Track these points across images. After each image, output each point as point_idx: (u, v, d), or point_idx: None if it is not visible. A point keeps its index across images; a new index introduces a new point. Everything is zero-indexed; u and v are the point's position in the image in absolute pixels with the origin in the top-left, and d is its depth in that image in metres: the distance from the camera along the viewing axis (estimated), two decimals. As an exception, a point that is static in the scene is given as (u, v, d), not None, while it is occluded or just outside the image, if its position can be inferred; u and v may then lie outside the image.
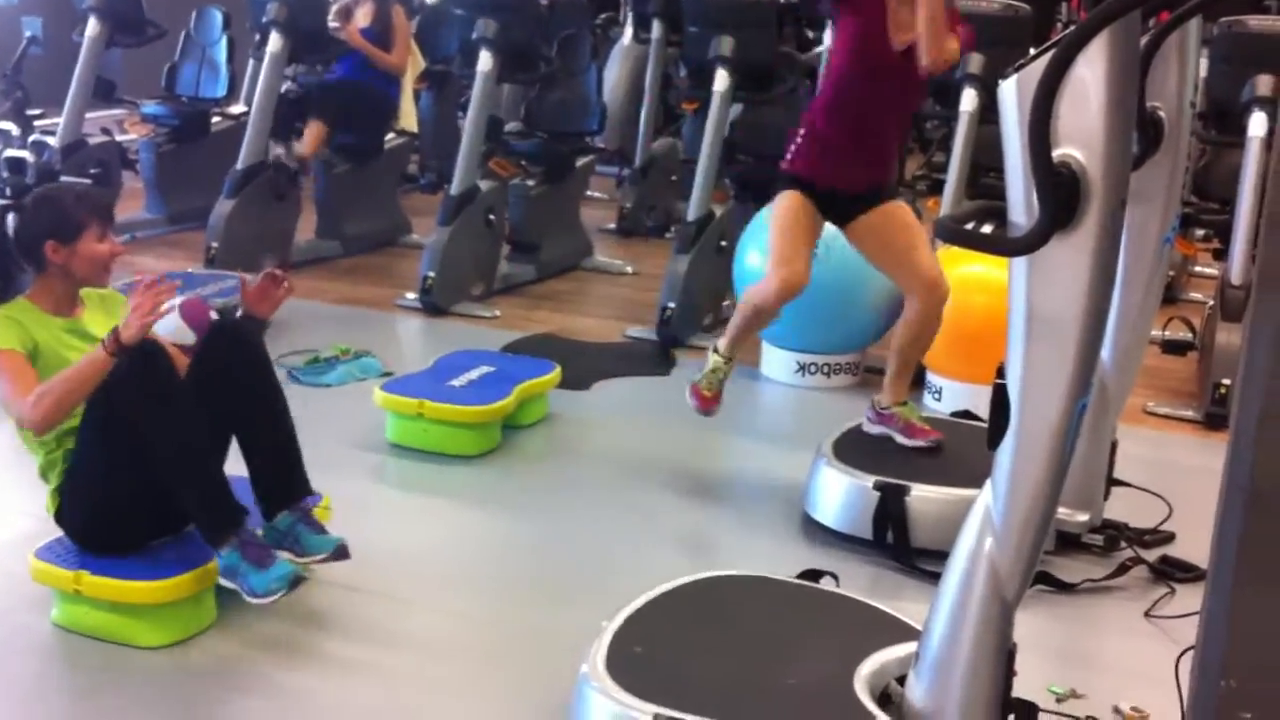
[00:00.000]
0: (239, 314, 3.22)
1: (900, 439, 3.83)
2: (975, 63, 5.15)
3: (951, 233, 1.89)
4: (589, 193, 7.19)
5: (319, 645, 2.97)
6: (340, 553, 2.98)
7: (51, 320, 2.98)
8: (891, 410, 3.86)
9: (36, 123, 6.85)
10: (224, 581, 2.85)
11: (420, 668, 2.91)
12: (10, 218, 3.02)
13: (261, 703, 2.76)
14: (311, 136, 6.47)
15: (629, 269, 6.58)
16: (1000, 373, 1.93)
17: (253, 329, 3.13)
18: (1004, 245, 1.81)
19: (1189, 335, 4.95)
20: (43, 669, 2.88)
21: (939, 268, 3.80)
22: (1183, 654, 2.75)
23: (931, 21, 3.48)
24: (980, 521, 2.04)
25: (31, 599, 3.02)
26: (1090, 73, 1.74)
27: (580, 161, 6.59)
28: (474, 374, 4.31)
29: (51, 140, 6.40)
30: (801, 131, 3.77)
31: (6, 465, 4.00)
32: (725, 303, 5.60)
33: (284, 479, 3.03)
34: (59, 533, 3.01)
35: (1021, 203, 1.80)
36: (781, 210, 3.76)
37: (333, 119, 6.52)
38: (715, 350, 3.95)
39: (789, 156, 3.78)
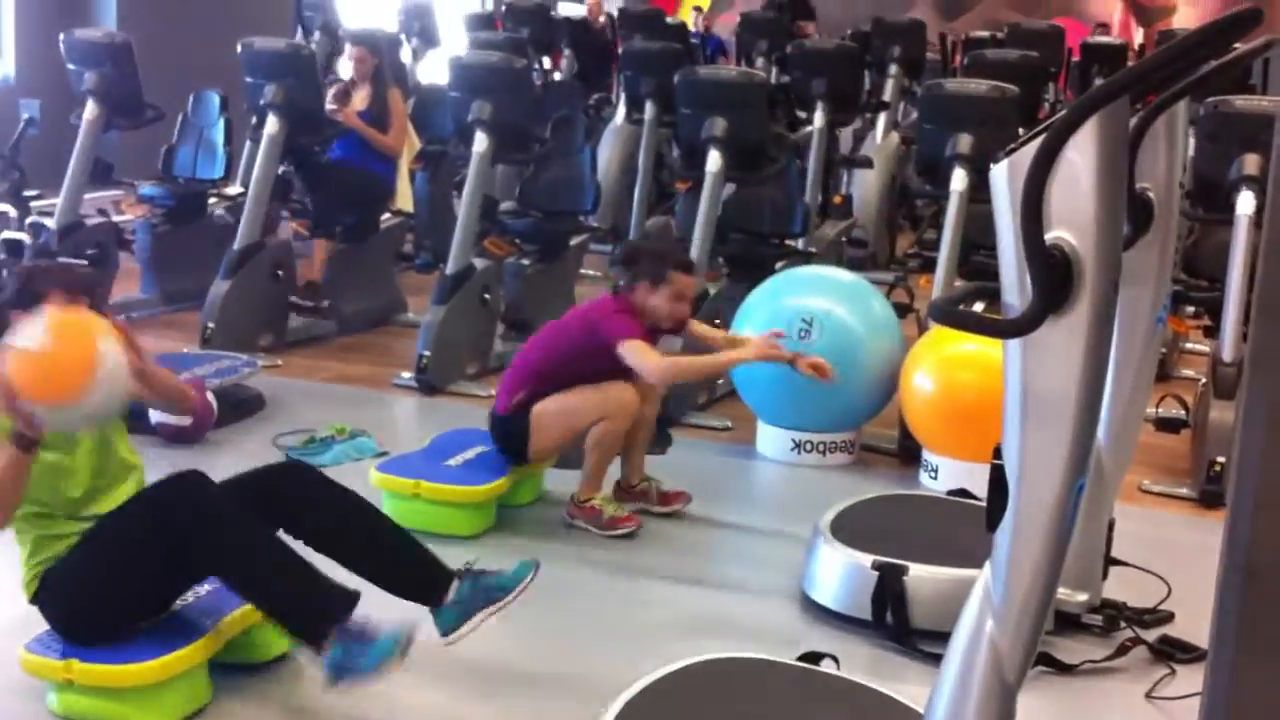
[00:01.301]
0: None
1: (597, 531, 4.13)
2: (964, 143, 5.21)
3: (945, 315, 1.90)
4: (583, 271, 7.23)
5: (313, 730, 2.94)
6: (538, 567, 3.08)
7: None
8: (591, 503, 4.15)
9: (33, 204, 6.89)
10: (332, 679, 2.76)
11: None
12: None
13: None
14: (319, 257, 6.56)
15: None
16: (997, 454, 1.93)
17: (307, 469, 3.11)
18: (998, 328, 1.82)
19: (1182, 413, 4.96)
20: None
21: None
22: (1185, 735, 2.74)
23: None
24: (980, 603, 2.03)
25: (25, 685, 2.97)
26: (1080, 156, 1.76)
27: (574, 240, 6.64)
28: (470, 454, 4.31)
29: (49, 222, 6.45)
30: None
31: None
32: (719, 381, 5.61)
33: (428, 575, 3.01)
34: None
35: (1014, 285, 1.81)
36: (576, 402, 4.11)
37: (332, 214, 6.61)
38: (586, 501, 4.17)
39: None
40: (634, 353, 3.99)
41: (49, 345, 2.70)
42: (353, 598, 2.82)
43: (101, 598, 2.87)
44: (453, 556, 3.91)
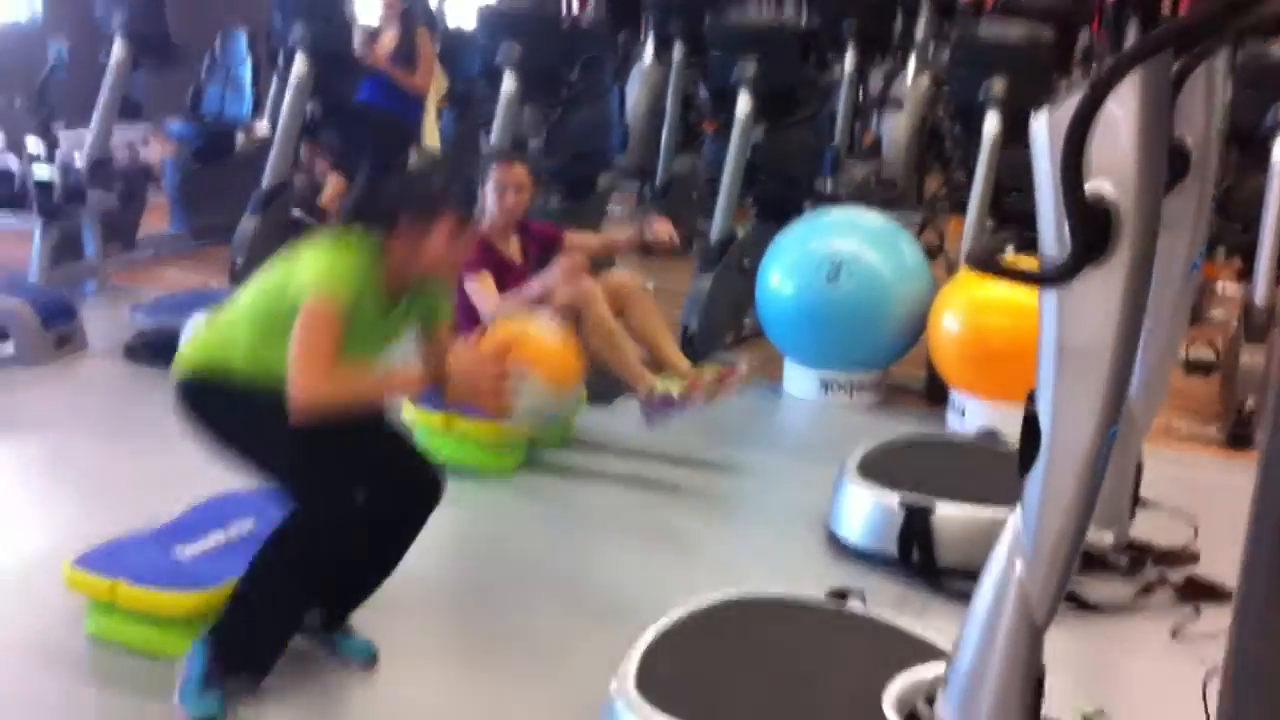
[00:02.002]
0: None
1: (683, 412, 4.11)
2: (997, 86, 5.18)
3: (984, 264, 1.92)
4: (610, 208, 7.23)
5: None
6: (370, 661, 2.97)
7: (378, 294, 2.77)
8: (653, 393, 4.12)
9: (60, 134, 6.90)
10: (181, 672, 2.73)
11: (443, 684, 2.96)
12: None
13: (291, 710, 2.79)
14: (332, 188, 6.57)
15: (650, 285, 6.61)
16: (1031, 399, 1.96)
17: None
18: (1036, 277, 1.84)
19: (1212, 355, 4.97)
20: (75, 685, 2.89)
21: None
22: (1210, 674, 2.78)
23: None
24: (1010, 546, 2.07)
25: (63, 615, 3.04)
26: (1121, 109, 1.77)
27: (602, 180, 6.64)
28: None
29: (78, 160, 6.47)
30: None
31: (29, 480, 4.06)
32: (747, 319, 5.64)
33: (345, 608, 3.01)
34: (88, 544, 3.02)
35: (1053, 235, 1.83)
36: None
37: (356, 154, 6.61)
38: (649, 394, 4.14)
39: None
40: (474, 287, 4.15)
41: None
42: (255, 683, 2.80)
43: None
44: (481, 492, 3.98)
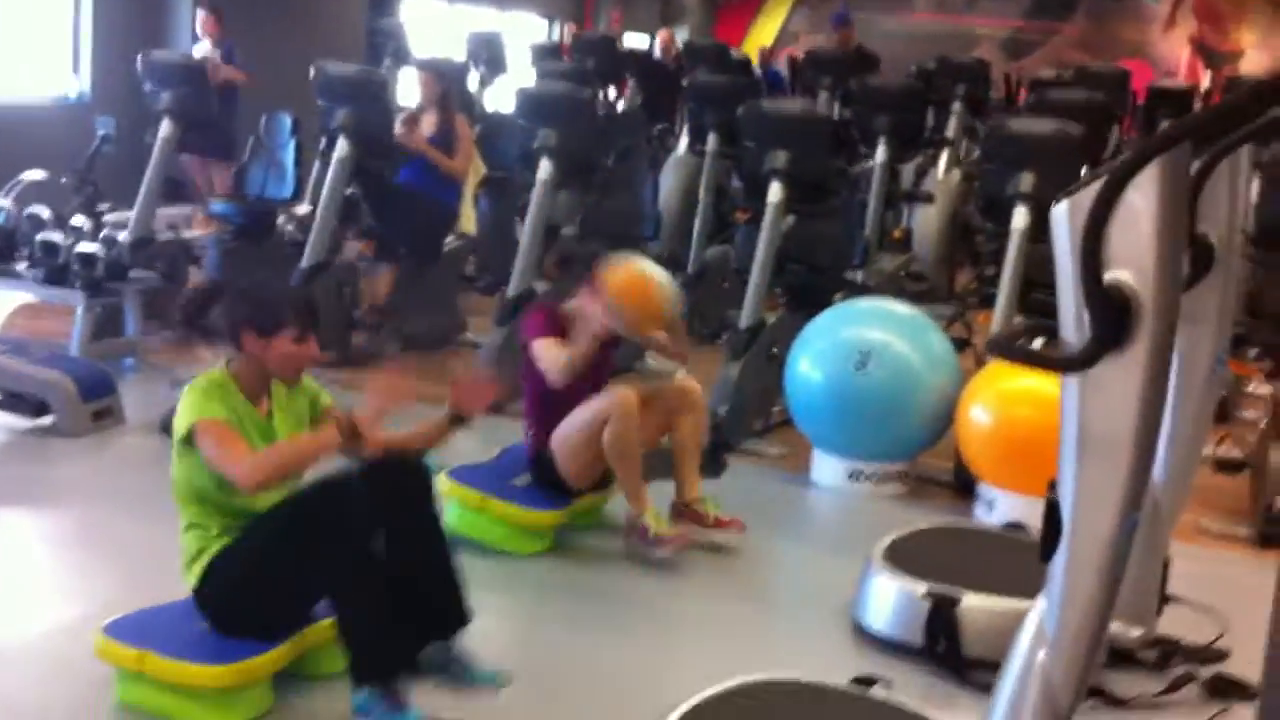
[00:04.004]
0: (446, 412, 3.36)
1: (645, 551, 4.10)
2: (1026, 181, 5.23)
3: (1004, 349, 1.95)
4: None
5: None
6: (502, 684, 3.09)
7: (245, 404, 3.06)
8: (642, 520, 4.10)
9: (105, 217, 7.05)
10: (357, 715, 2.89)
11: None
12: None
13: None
14: (384, 283, 6.69)
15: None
16: (1052, 487, 1.97)
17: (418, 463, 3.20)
18: (1055, 363, 1.86)
19: (1241, 454, 4.95)
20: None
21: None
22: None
23: None
24: (1033, 633, 2.06)
25: (94, 682, 3.06)
26: (1141, 199, 1.80)
27: (635, 267, 6.70)
28: (534, 472, 4.35)
29: (121, 236, 6.60)
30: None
31: (63, 549, 4.10)
32: (775, 408, 5.65)
33: (440, 611, 3.09)
34: (118, 614, 3.07)
35: (1073, 322, 1.85)
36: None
37: (398, 237, 6.73)
38: (638, 518, 4.12)
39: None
40: (538, 350, 4.11)
41: None
42: (410, 669, 2.95)
43: (252, 593, 2.98)
44: (510, 572, 3.99)
